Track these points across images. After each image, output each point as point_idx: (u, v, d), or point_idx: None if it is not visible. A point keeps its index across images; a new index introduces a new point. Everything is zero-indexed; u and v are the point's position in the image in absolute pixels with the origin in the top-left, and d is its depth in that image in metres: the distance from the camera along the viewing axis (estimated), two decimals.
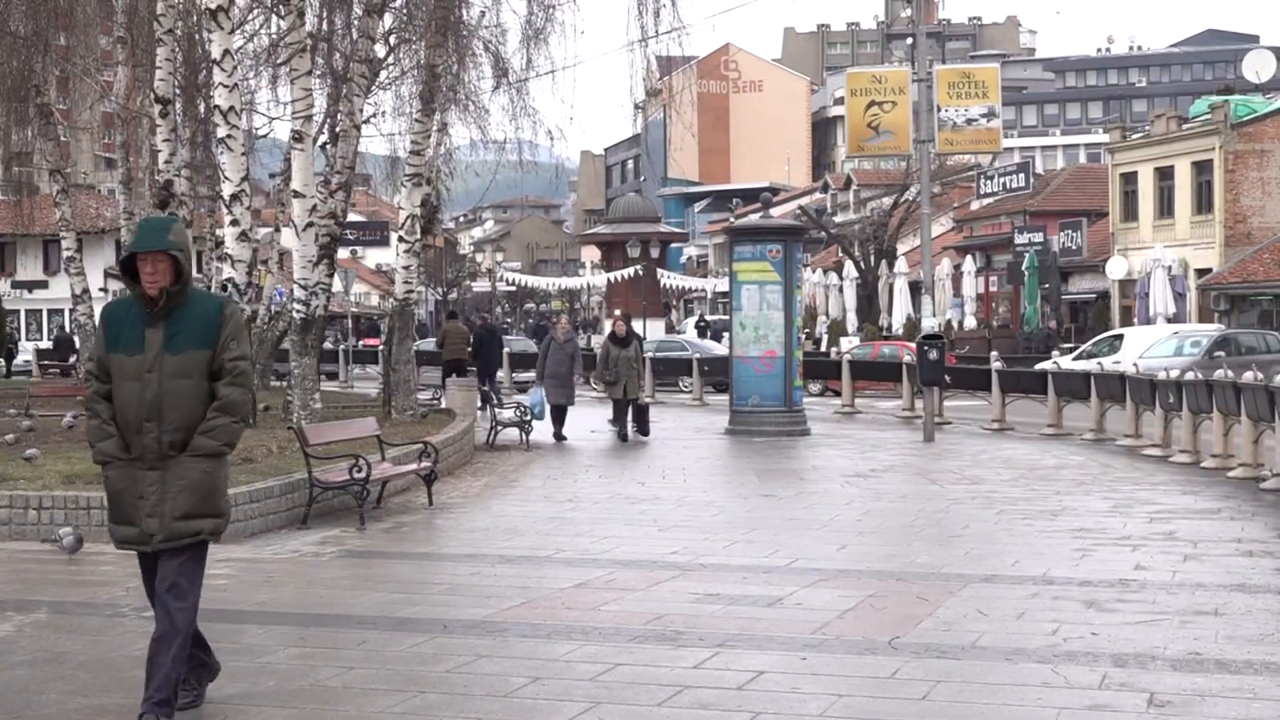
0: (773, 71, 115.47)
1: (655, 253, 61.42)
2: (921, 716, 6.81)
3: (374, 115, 28.11)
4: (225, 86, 19.67)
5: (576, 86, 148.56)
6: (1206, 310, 44.75)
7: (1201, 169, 47.41)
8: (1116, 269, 49.25)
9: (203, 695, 7.01)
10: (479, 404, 24.60)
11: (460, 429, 19.97)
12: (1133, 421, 21.98)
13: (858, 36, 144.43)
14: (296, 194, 20.66)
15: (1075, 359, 31.45)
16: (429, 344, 39.47)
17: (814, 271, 64.17)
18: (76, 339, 38.33)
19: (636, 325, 27.69)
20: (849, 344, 45.84)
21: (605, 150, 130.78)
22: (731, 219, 53.96)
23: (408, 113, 26.93)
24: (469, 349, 30.49)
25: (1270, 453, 17.12)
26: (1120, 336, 35.37)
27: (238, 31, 25.27)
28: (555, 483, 17.34)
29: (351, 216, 53.48)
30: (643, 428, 23.34)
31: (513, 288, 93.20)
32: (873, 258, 58.94)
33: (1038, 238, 53.14)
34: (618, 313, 28.00)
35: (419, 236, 24.33)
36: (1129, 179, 50.99)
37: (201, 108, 27.04)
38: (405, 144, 26.39)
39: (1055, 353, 37.06)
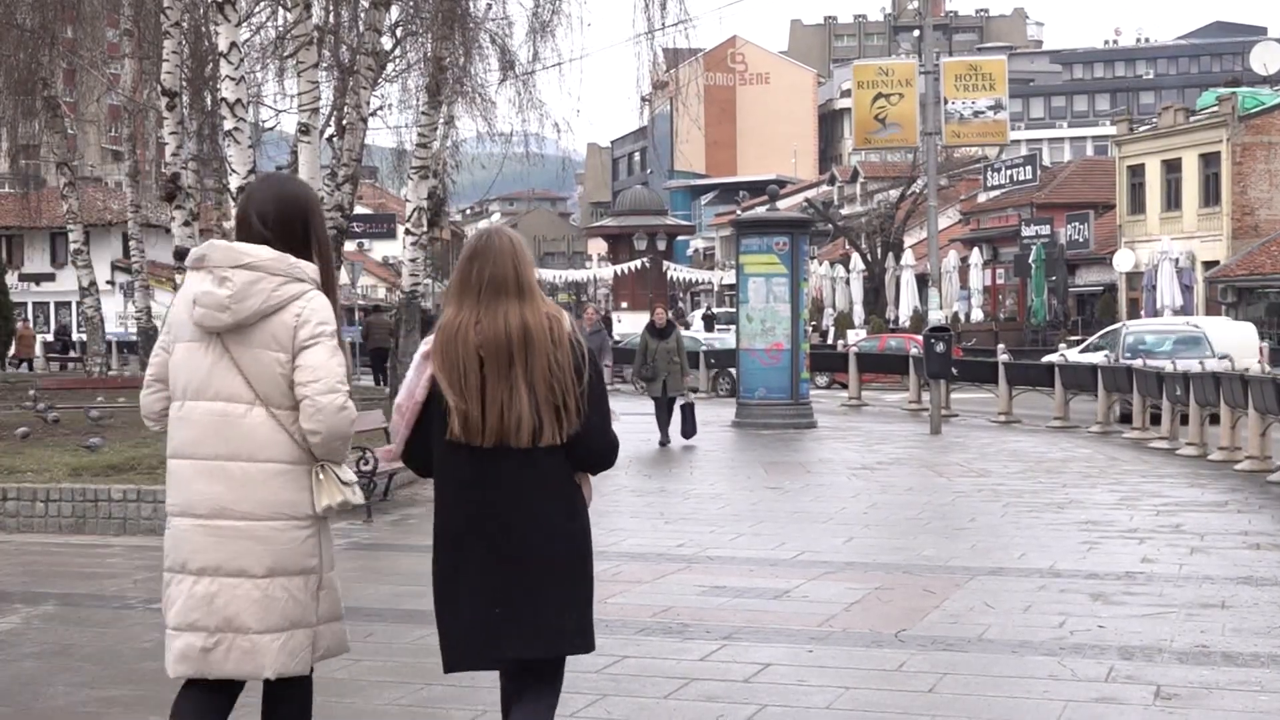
0: (779, 64, 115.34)
1: (662, 245, 61.41)
2: (928, 709, 6.81)
3: (380, 108, 28.12)
4: (232, 79, 19.63)
5: (583, 79, 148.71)
6: (1214, 303, 44.71)
7: (1209, 161, 47.35)
8: (1123, 262, 49.19)
9: None
10: None
11: None
12: (1140, 414, 21.97)
13: (864, 29, 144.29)
14: None
15: (1082, 351, 31.44)
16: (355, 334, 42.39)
17: (821, 264, 64.17)
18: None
19: (641, 319, 27.39)
20: (855, 336, 45.86)
21: (612, 143, 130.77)
22: (738, 211, 53.92)
23: (414, 105, 26.95)
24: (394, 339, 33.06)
25: (1278, 446, 17.12)
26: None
27: (244, 24, 25.26)
28: None
29: (358, 209, 53.49)
30: (687, 428, 20.74)
31: None
32: (879, 250, 58.95)
33: (1044, 230, 53.10)
34: (615, 304, 27.54)
35: (425, 229, 24.33)
36: (1136, 171, 50.94)
37: (208, 100, 27.05)
38: (412, 136, 26.39)
39: (1062, 345, 37.03)
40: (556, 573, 4.68)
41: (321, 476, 4.77)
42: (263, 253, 4.57)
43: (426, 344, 4.72)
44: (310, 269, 4.64)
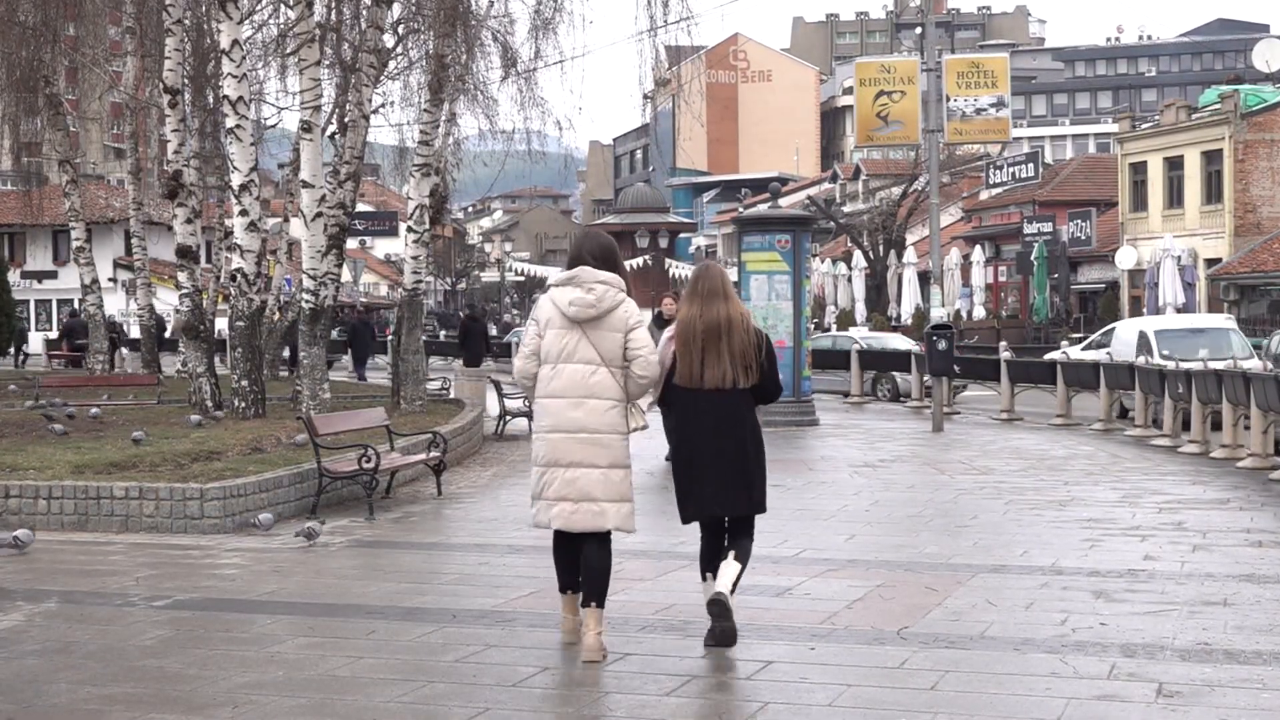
0: (781, 61, 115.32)
1: (664, 243, 61.23)
2: (930, 707, 6.80)
3: (382, 105, 28.10)
4: (234, 77, 19.67)
5: (585, 76, 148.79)
6: (1216, 300, 44.67)
7: (1211, 159, 47.31)
8: (1126, 259, 49.17)
9: None
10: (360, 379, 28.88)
11: (469, 419, 19.97)
12: (1142, 412, 21.95)
13: (866, 26, 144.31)
14: (305, 184, 20.66)
15: (1084, 349, 31.36)
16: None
17: (823, 261, 64.16)
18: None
19: (645, 317, 26.80)
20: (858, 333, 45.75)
21: (614, 140, 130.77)
22: (740, 209, 53.83)
23: (416, 103, 26.91)
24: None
25: None
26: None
27: (246, 21, 25.26)
28: None
29: (360, 207, 53.57)
30: None
31: (521, 278, 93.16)
32: (881, 248, 58.94)
33: (1047, 228, 53.08)
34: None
35: (427, 227, 24.30)
36: (1138, 169, 50.90)
37: (210, 98, 27.05)
38: (414, 134, 26.37)
39: (1064, 343, 36.99)
40: (748, 461, 8.00)
41: (632, 410, 8.05)
42: (606, 274, 7.83)
43: (670, 330, 8.08)
44: (623, 283, 7.88)
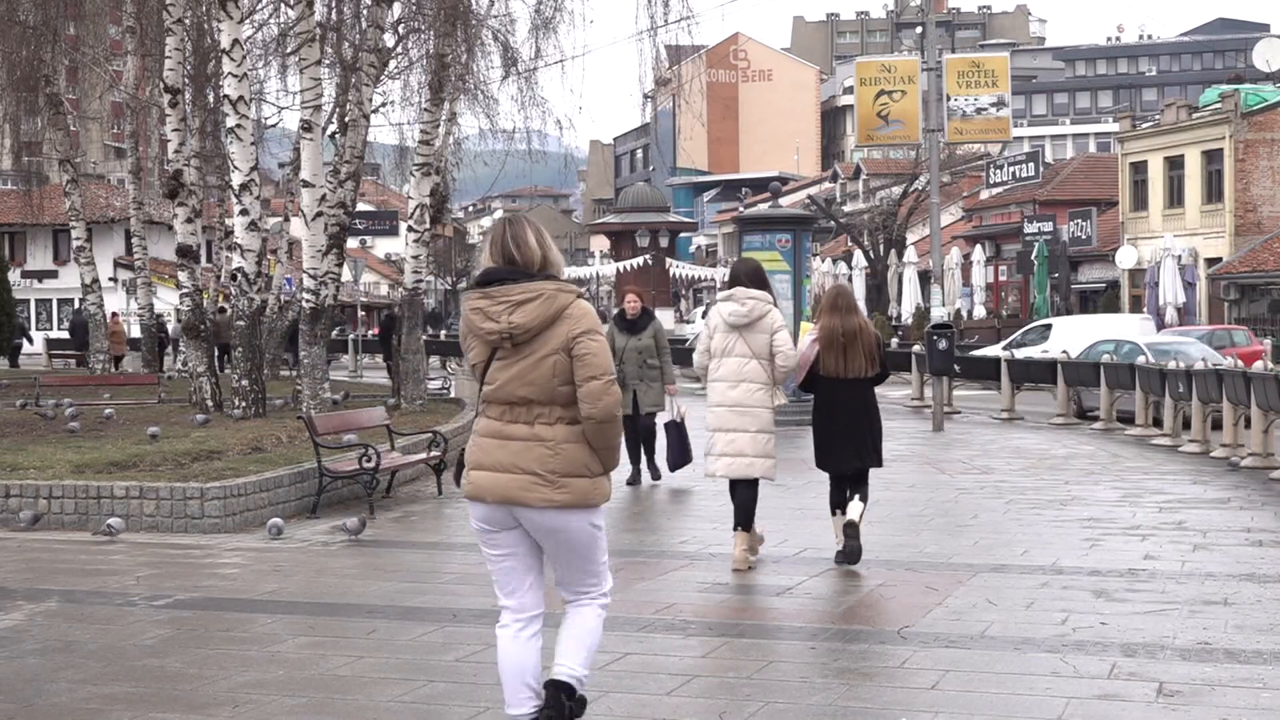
0: (782, 61, 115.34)
1: (664, 242, 61.17)
2: (930, 706, 6.80)
3: (383, 105, 28.13)
4: (234, 76, 19.68)
5: (585, 76, 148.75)
6: (1216, 300, 44.65)
7: (1211, 158, 47.29)
8: (1126, 258, 49.14)
9: None
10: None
11: (469, 418, 19.94)
12: (1143, 411, 21.95)
13: (867, 25, 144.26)
14: (305, 183, 20.67)
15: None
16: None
17: (823, 261, 64.14)
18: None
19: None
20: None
21: (614, 140, 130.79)
22: (741, 208, 53.79)
23: (416, 102, 26.95)
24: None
25: None
26: (1049, 326, 34.98)
27: (247, 21, 25.27)
28: None
29: (360, 206, 53.50)
30: (675, 454, 14.85)
31: None
32: (882, 247, 58.93)
33: (1047, 227, 53.05)
34: (618, 300, 24.03)
35: (428, 226, 24.31)
36: (1139, 168, 50.88)
37: (211, 97, 27.07)
38: (414, 133, 26.40)
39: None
40: (873, 428, 10.93)
41: (775, 389, 10.63)
42: (756, 291, 10.50)
43: (814, 333, 10.87)
44: (770, 297, 10.58)
